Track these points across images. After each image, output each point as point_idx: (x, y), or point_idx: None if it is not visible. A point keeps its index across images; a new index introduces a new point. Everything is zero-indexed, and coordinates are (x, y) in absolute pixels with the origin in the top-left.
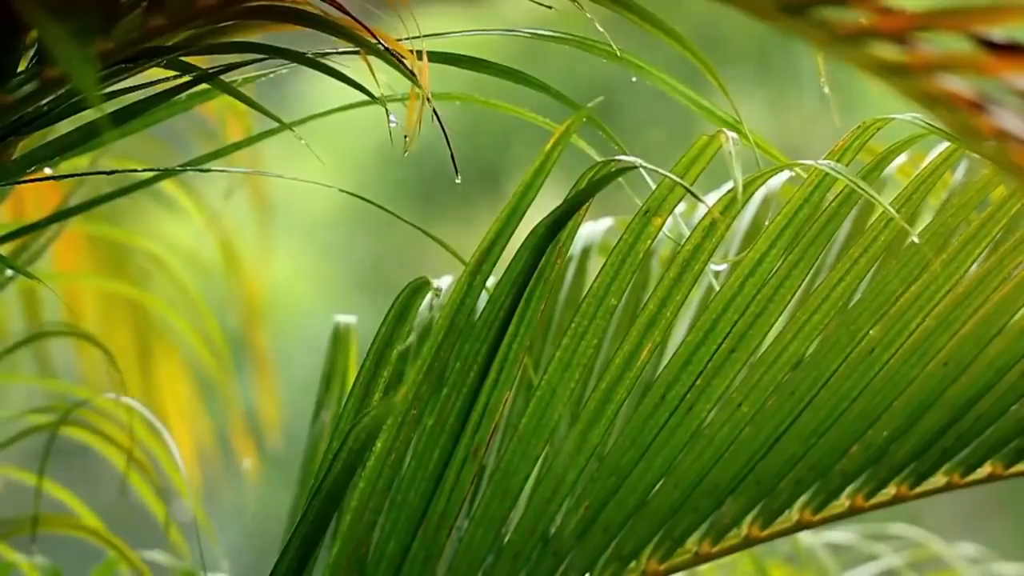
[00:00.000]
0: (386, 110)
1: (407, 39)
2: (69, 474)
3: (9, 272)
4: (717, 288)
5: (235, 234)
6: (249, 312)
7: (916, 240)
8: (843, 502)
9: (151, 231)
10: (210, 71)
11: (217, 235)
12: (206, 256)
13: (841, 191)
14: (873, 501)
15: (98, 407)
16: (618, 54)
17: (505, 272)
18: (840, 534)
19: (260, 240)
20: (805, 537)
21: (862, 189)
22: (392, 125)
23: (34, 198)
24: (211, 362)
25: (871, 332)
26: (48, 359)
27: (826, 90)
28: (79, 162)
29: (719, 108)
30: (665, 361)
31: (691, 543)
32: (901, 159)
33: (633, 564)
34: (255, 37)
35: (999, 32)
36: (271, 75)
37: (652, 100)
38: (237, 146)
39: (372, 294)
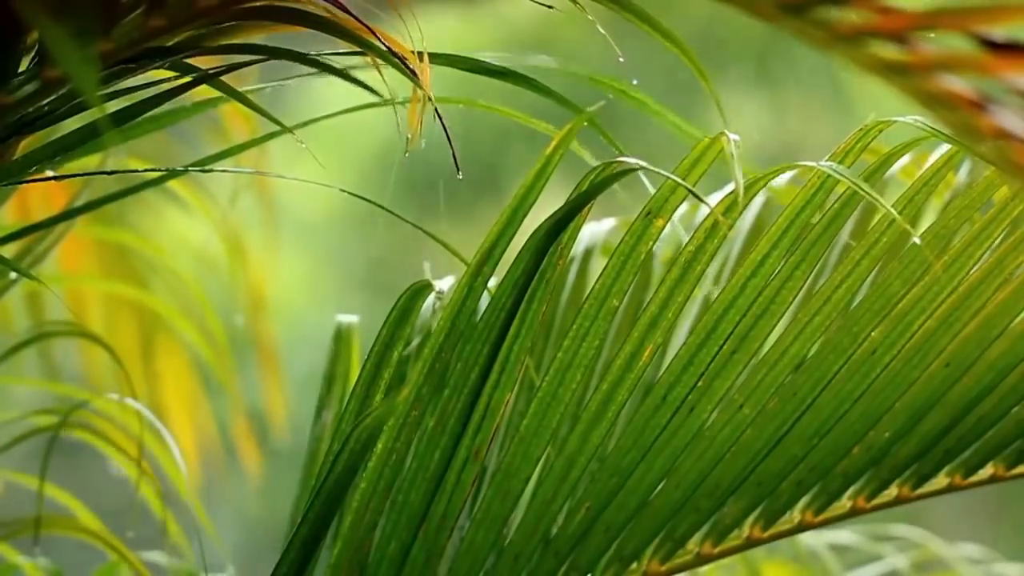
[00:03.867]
0: (395, 111)
1: (413, 43)
2: (71, 472)
3: (13, 274)
4: (719, 290)
5: (242, 232)
6: (255, 310)
7: (918, 242)
8: (845, 503)
9: (156, 228)
10: (210, 71)
11: (224, 233)
12: (212, 254)
13: (843, 193)
14: (875, 502)
15: (101, 407)
16: (620, 87)
17: (507, 273)
18: (842, 535)
19: (266, 238)
20: (807, 538)
21: (864, 191)
22: (399, 129)
23: (40, 199)
24: (215, 361)
25: (873, 334)
26: (55, 360)
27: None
28: (85, 162)
29: (714, 116)
30: (667, 362)
31: (692, 544)
32: (904, 159)
33: (634, 565)
34: (256, 38)
35: (999, 31)
36: (283, 83)
37: (653, 100)
38: (241, 147)
39: (372, 295)
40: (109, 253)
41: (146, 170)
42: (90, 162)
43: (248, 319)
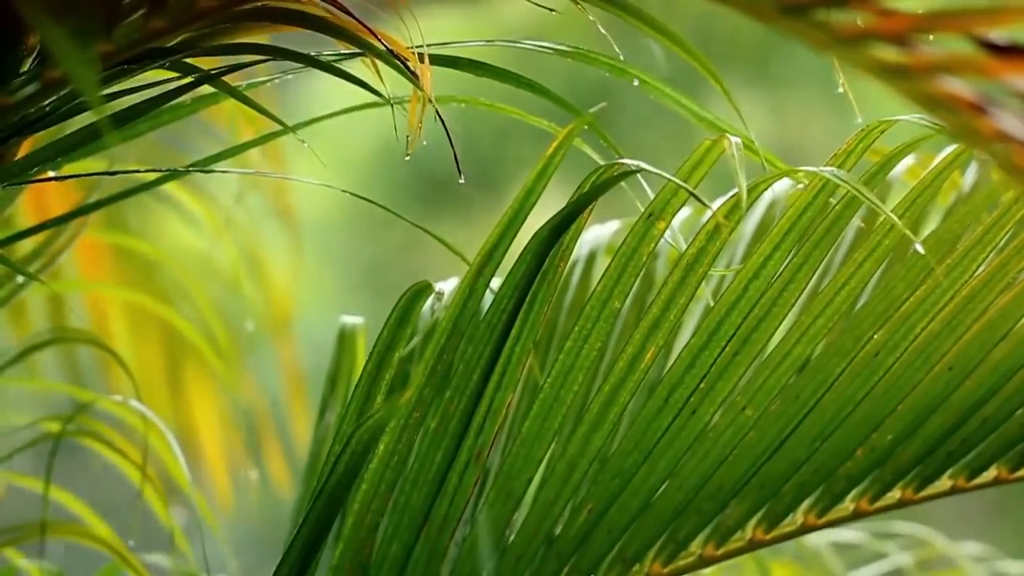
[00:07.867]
0: (392, 112)
1: (414, 48)
2: (77, 471)
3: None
4: (721, 292)
5: (253, 234)
6: (274, 315)
7: (920, 248)
8: (848, 505)
9: (169, 232)
10: (212, 72)
11: (235, 237)
12: (226, 257)
13: (845, 194)
14: (877, 504)
15: (109, 409)
16: (620, 66)
17: (508, 275)
18: (846, 533)
19: (285, 239)
20: (810, 535)
21: (865, 197)
22: (398, 130)
23: (58, 201)
24: (228, 365)
25: (876, 336)
26: (77, 364)
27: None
28: (94, 163)
29: (721, 112)
30: (669, 364)
31: (695, 546)
32: (909, 160)
33: (637, 567)
34: (257, 38)
35: (1000, 34)
36: (277, 80)
37: (654, 100)
38: (243, 147)
39: (371, 295)
40: (129, 262)
41: (145, 171)
42: (97, 163)
43: (268, 323)
